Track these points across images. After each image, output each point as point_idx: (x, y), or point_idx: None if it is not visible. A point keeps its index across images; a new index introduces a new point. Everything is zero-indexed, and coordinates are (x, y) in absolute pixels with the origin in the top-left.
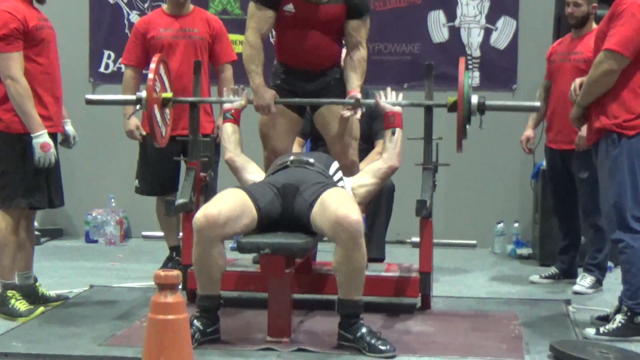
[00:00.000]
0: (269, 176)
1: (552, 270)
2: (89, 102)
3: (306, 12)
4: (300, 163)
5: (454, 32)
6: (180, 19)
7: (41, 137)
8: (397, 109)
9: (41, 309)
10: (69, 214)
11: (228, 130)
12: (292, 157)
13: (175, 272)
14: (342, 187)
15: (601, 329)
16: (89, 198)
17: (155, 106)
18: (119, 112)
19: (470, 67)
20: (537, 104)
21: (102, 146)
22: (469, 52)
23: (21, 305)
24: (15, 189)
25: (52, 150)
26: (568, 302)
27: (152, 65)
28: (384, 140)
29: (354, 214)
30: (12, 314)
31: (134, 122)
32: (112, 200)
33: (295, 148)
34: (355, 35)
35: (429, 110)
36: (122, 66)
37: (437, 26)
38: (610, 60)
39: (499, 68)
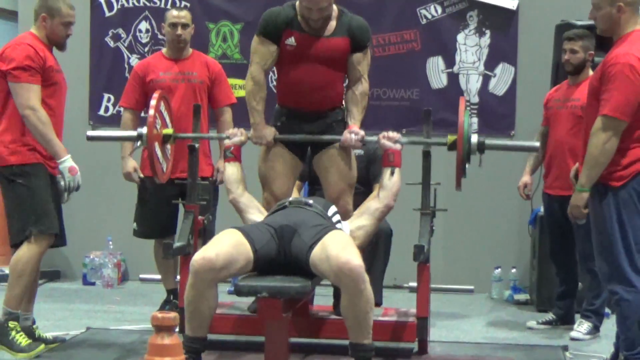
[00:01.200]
0: (267, 217)
1: (550, 316)
2: (90, 138)
3: (308, 46)
4: (299, 204)
5: (453, 78)
6: (179, 63)
7: (67, 162)
8: (397, 147)
9: (42, 346)
10: (66, 256)
11: (229, 171)
12: (290, 199)
13: (172, 314)
14: (341, 229)
15: None
16: (87, 240)
17: (156, 143)
18: (117, 154)
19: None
20: (537, 144)
21: (100, 189)
22: (467, 98)
23: (22, 339)
24: (27, 220)
25: (79, 173)
26: (565, 348)
27: (153, 102)
28: (382, 178)
29: (355, 260)
30: (12, 347)
31: (132, 164)
32: (110, 242)
33: (293, 191)
34: (357, 69)
35: (427, 155)
36: (121, 109)
37: (436, 72)
38: (615, 126)
39: (497, 114)
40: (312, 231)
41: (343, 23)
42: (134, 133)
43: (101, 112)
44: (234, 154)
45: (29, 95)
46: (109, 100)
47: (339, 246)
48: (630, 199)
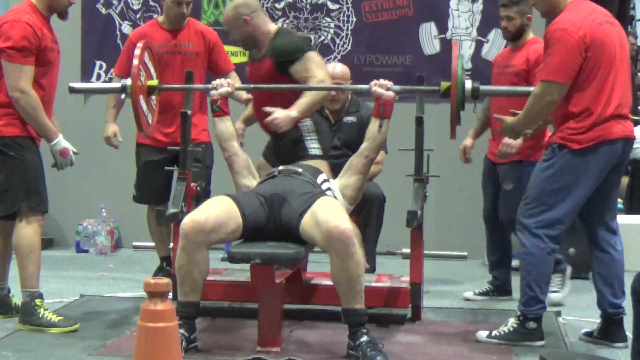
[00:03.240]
0: (257, 186)
1: (486, 286)
2: (72, 90)
3: (251, 72)
4: (288, 172)
5: (446, 44)
6: (175, 34)
7: (58, 144)
8: (390, 94)
9: (77, 325)
10: (59, 224)
11: (221, 127)
12: (280, 167)
13: (166, 280)
14: (332, 195)
15: (493, 332)
16: (80, 208)
17: (141, 95)
18: None
19: None
20: (532, 88)
21: (93, 156)
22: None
23: (52, 315)
24: (17, 193)
25: (71, 154)
26: (558, 313)
27: (137, 52)
28: (368, 129)
29: (345, 224)
30: (42, 324)
31: (112, 129)
32: (103, 210)
33: None
34: (303, 76)
35: (419, 121)
36: (113, 75)
37: (429, 38)
38: (550, 90)
39: (490, 80)
40: (301, 199)
41: (270, 44)
42: (117, 85)
43: (93, 79)
44: (222, 109)
45: (20, 76)
46: (100, 67)
47: (328, 211)
48: (582, 165)
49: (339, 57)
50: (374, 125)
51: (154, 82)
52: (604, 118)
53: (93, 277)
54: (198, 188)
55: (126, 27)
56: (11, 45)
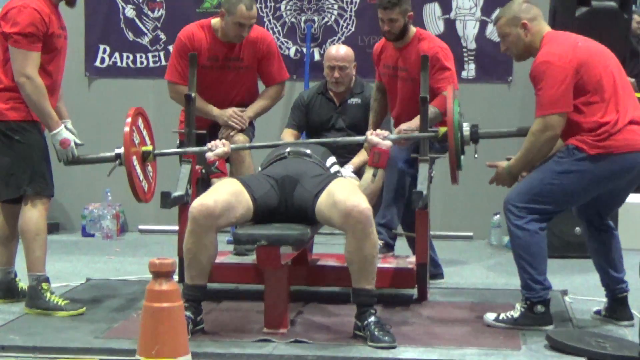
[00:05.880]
0: (266, 167)
1: None
2: (69, 163)
3: None
4: (298, 154)
5: (450, 24)
6: (229, 46)
7: (59, 135)
8: (387, 143)
9: (83, 308)
10: (65, 208)
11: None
12: (289, 149)
13: (171, 260)
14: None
15: (501, 316)
16: (86, 192)
17: (135, 159)
18: (115, 105)
19: (465, 59)
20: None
21: (98, 141)
22: (464, 44)
23: (59, 299)
24: (22, 177)
25: (72, 144)
26: (564, 292)
27: (128, 119)
28: (363, 177)
29: (363, 203)
30: (49, 308)
31: (229, 111)
32: (109, 194)
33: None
34: None
35: (424, 101)
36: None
37: (433, 19)
38: (551, 124)
39: (494, 60)
40: (315, 180)
41: None
42: (111, 154)
43: (97, 63)
44: (220, 169)
45: (27, 62)
46: (104, 51)
47: (346, 192)
48: (592, 171)
49: (343, 38)
50: (367, 174)
51: (149, 147)
52: (621, 126)
53: (99, 260)
54: (203, 171)
55: (129, 11)
56: (18, 31)
